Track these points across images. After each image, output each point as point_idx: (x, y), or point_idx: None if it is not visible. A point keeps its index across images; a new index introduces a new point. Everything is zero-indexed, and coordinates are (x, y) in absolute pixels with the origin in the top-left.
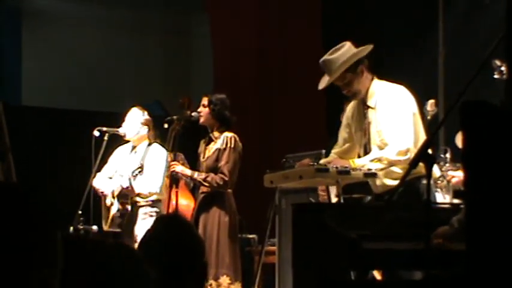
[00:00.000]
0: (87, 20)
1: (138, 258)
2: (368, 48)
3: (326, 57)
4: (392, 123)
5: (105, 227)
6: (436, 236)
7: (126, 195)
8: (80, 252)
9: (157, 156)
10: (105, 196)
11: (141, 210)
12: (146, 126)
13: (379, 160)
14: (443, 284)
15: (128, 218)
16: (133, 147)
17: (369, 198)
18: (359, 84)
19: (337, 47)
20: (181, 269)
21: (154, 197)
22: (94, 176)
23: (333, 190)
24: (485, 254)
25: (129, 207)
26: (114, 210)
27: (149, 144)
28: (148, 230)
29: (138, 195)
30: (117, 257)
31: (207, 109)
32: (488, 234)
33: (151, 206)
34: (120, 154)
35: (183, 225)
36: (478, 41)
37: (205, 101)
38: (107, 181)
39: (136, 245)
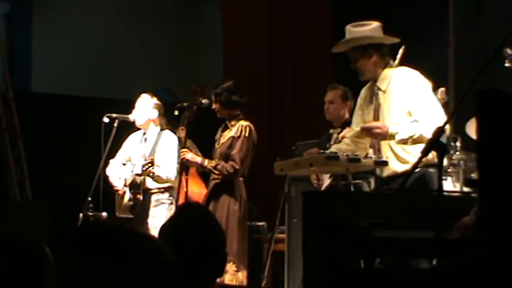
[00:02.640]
0: (97, 7)
1: (167, 249)
2: (389, 39)
3: (349, 26)
4: (422, 102)
5: (118, 213)
6: (458, 228)
7: (138, 185)
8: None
9: (170, 143)
10: (116, 188)
11: (153, 197)
12: (156, 111)
13: (414, 140)
14: (454, 273)
15: (141, 206)
16: (144, 134)
17: (370, 179)
18: (364, 67)
19: (364, 22)
20: (203, 259)
21: (166, 184)
22: (105, 163)
23: (326, 178)
24: (500, 243)
25: (140, 197)
26: (126, 198)
27: (161, 131)
28: (170, 218)
29: (154, 179)
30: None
31: (217, 104)
32: (502, 222)
33: (163, 192)
34: (132, 141)
35: (205, 215)
36: (488, 29)
37: (213, 97)
38: (119, 170)
39: (149, 232)
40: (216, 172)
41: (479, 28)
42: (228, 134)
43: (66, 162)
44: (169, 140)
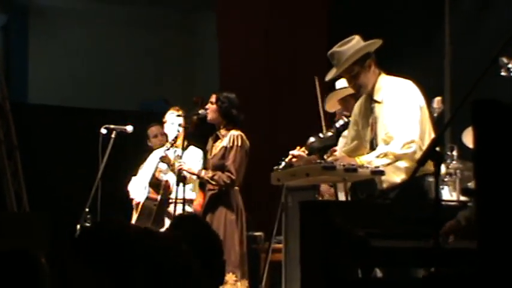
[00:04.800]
0: (94, 17)
1: (186, 249)
2: (377, 42)
3: (335, 49)
4: (397, 116)
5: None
6: (444, 232)
7: (158, 185)
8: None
9: (194, 158)
10: (136, 203)
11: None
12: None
13: (385, 155)
14: (451, 282)
15: (159, 210)
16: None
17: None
18: (366, 77)
19: (346, 40)
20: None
21: (188, 196)
22: (103, 174)
23: (341, 188)
24: (497, 252)
25: (159, 197)
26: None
27: (185, 148)
28: (167, 229)
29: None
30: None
31: (214, 106)
32: (499, 232)
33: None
34: (156, 158)
35: (201, 224)
36: (484, 39)
37: (213, 98)
38: (141, 188)
39: None
40: (213, 183)
41: (475, 37)
42: (220, 144)
43: (63, 173)
44: (194, 154)
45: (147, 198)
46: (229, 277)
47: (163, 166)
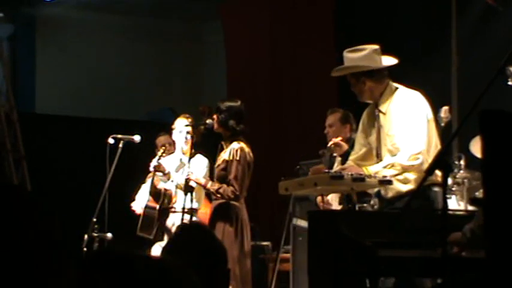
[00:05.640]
0: (100, 28)
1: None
2: (379, 64)
3: (346, 52)
4: (404, 127)
5: (138, 232)
6: (449, 242)
7: (158, 194)
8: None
9: (199, 166)
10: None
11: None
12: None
13: (392, 166)
14: None
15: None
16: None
17: (373, 200)
18: (360, 91)
19: (359, 47)
20: (206, 277)
21: (195, 206)
22: (110, 184)
23: (334, 202)
24: (505, 261)
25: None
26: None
27: (192, 156)
28: (171, 238)
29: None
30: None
31: (216, 117)
32: (508, 241)
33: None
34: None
35: (206, 233)
36: (491, 48)
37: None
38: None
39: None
40: (219, 196)
41: (482, 47)
42: (223, 155)
43: (71, 183)
44: (200, 163)
45: (146, 206)
46: None
47: (160, 174)
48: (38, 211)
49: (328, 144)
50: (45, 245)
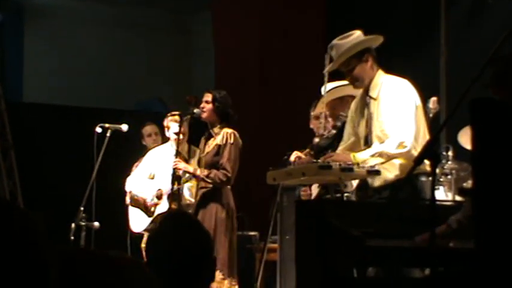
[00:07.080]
0: (89, 17)
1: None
2: (378, 38)
3: (335, 41)
4: (393, 114)
5: (136, 229)
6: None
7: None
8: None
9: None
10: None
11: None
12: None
13: (380, 155)
14: (447, 281)
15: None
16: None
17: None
18: (363, 72)
19: (347, 34)
20: (191, 266)
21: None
22: (98, 173)
23: (314, 188)
24: (494, 252)
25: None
26: (158, 210)
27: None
28: (156, 227)
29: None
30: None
31: (210, 105)
32: (497, 232)
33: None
34: (154, 157)
35: (191, 221)
36: (480, 40)
37: (208, 97)
38: (141, 185)
39: None
40: (209, 181)
41: (471, 38)
42: (213, 142)
43: (58, 172)
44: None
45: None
46: (217, 275)
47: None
48: (17, 219)
49: (291, 158)
50: (25, 250)
